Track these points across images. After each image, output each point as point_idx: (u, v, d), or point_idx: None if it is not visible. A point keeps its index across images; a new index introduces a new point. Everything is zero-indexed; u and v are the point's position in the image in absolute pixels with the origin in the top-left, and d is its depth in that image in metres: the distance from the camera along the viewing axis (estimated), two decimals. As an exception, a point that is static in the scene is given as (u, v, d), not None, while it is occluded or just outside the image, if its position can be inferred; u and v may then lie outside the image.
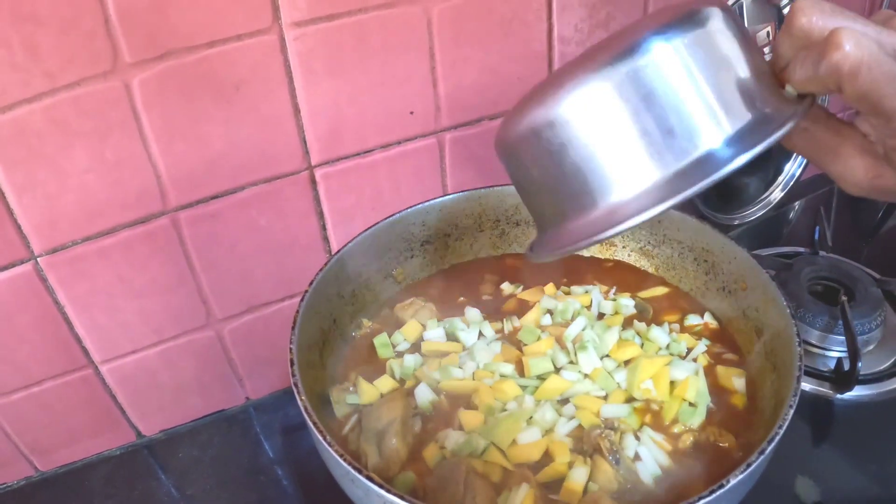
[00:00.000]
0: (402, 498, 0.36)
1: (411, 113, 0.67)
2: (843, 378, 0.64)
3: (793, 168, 0.93)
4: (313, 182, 0.66)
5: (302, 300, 0.48)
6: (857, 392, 0.66)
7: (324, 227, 0.68)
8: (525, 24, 0.68)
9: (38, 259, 0.59)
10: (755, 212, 0.93)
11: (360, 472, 0.37)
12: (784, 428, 0.42)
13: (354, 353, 0.55)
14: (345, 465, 0.37)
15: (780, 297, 0.51)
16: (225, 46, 0.57)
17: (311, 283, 0.50)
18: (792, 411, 0.43)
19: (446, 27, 0.64)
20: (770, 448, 0.41)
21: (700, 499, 0.38)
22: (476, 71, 0.68)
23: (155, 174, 0.59)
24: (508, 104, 0.71)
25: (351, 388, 0.51)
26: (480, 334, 0.56)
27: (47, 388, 0.65)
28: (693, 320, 0.59)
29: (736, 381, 0.53)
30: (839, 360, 0.66)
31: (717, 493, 0.38)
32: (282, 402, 0.75)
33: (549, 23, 0.69)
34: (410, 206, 0.59)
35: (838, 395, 0.65)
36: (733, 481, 0.39)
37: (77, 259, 0.60)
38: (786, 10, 0.84)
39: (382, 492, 0.36)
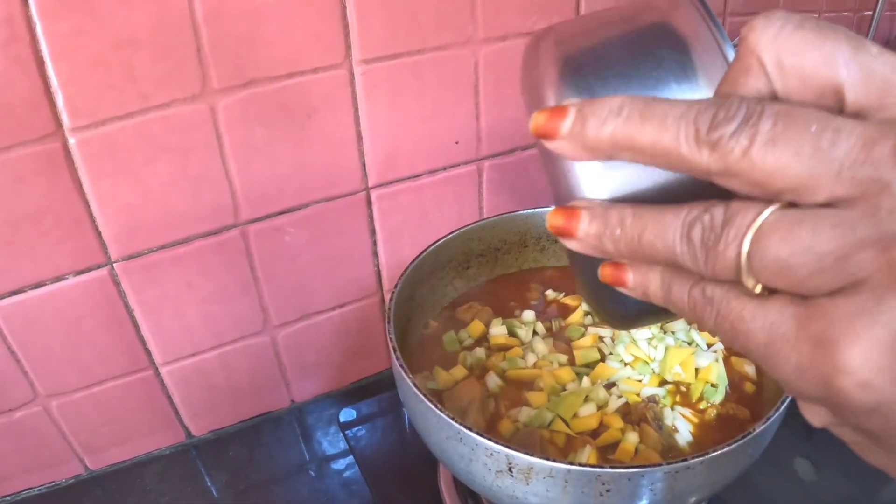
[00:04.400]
0: (506, 446, 0.41)
1: (456, 143, 0.71)
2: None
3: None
4: (369, 202, 0.69)
5: (391, 300, 0.53)
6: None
7: (374, 243, 0.72)
8: (555, 69, 0.73)
9: (114, 265, 0.61)
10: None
11: (470, 429, 0.42)
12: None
13: (424, 348, 0.60)
14: (456, 424, 0.42)
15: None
16: (302, 78, 0.60)
17: (395, 286, 0.54)
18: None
19: (490, 68, 0.69)
20: (783, 406, 0.46)
21: (733, 442, 0.43)
22: (513, 107, 0.73)
23: (230, 190, 0.62)
24: (539, 138, 0.77)
25: (430, 376, 0.56)
26: (534, 332, 0.62)
27: (108, 388, 0.66)
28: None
29: (747, 367, 0.59)
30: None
31: (746, 438, 0.43)
32: (324, 404, 0.77)
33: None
34: (468, 224, 0.63)
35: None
36: (758, 429, 0.44)
37: (151, 266, 0.62)
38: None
39: (491, 444, 0.41)
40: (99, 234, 0.59)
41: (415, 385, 0.44)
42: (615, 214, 0.24)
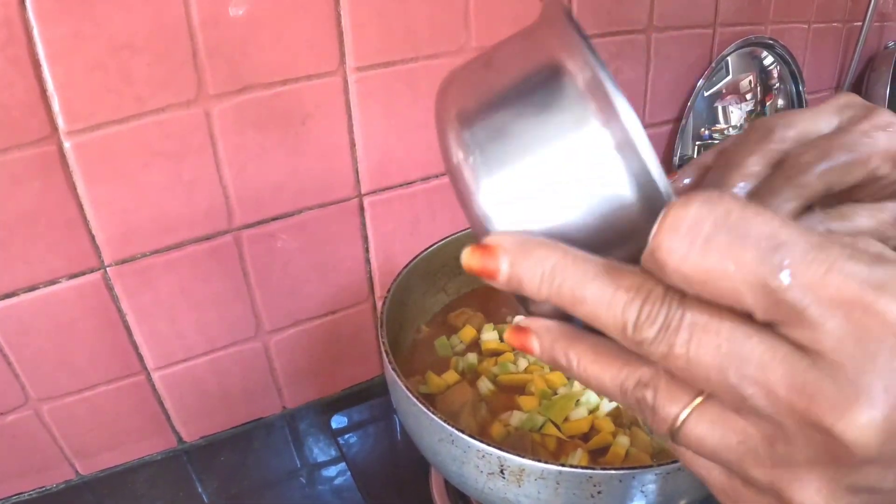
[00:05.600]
0: (498, 448, 0.41)
1: (449, 151, 0.71)
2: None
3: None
4: (361, 209, 0.69)
5: (384, 304, 0.52)
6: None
7: (367, 250, 0.72)
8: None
9: (108, 269, 0.60)
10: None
11: (462, 431, 0.41)
12: None
13: (416, 353, 0.60)
14: (448, 427, 0.42)
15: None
16: (296, 85, 0.60)
17: (388, 290, 0.54)
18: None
19: (483, 78, 0.69)
20: None
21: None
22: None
23: (224, 195, 0.62)
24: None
25: (422, 380, 0.56)
26: None
27: (99, 393, 0.66)
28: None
29: None
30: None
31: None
32: (316, 410, 0.77)
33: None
34: (462, 230, 0.63)
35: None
36: None
37: (144, 270, 0.62)
38: (765, 62, 0.93)
39: (483, 445, 0.41)
40: (93, 237, 0.58)
41: (407, 388, 0.44)
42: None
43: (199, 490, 0.69)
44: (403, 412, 0.47)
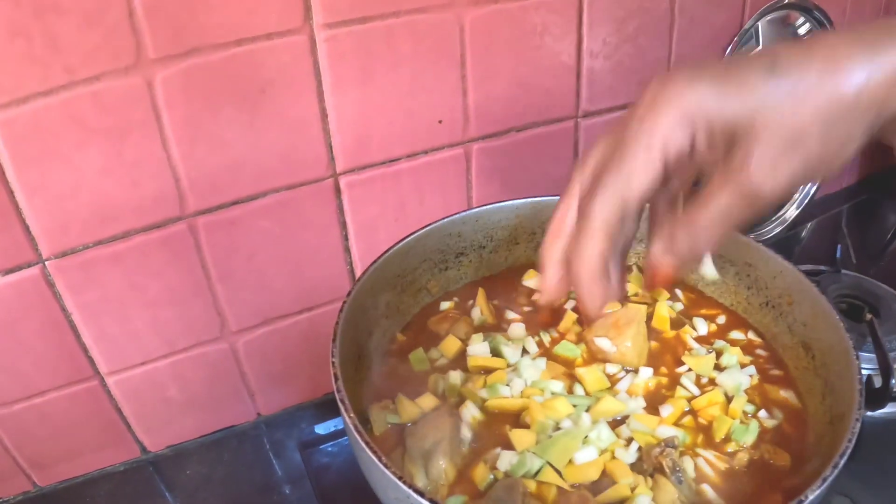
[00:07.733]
0: None
1: (439, 122, 0.63)
2: (875, 395, 0.61)
3: (807, 186, 0.91)
4: (337, 190, 0.62)
5: (341, 311, 0.44)
6: (889, 409, 0.62)
7: (346, 238, 0.64)
8: (555, 37, 0.65)
9: (46, 263, 0.54)
10: (770, 230, 0.91)
11: (422, 494, 0.32)
12: (853, 442, 0.39)
13: (390, 367, 0.50)
14: (404, 487, 0.33)
15: (832, 312, 0.48)
16: (253, 45, 0.53)
17: (349, 294, 0.45)
18: (859, 424, 0.40)
19: (479, 36, 0.61)
20: (842, 462, 0.37)
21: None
22: (506, 82, 0.64)
23: (174, 177, 0.55)
24: (537, 116, 0.68)
25: (391, 406, 0.46)
26: (524, 350, 0.51)
27: (50, 400, 0.60)
28: (736, 335, 0.55)
29: (783, 392, 0.49)
30: (869, 377, 0.62)
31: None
32: (294, 418, 0.70)
33: (579, 35, 0.66)
34: (447, 217, 0.55)
35: (869, 413, 0.61)
36: (812, 496, 0.35)
37: (88, 264, 0.56)
38: (801, 30, 0.82)
39: None
40: (27, 228, 0.53)
41: (356, 429, 0.35)
42: None
43: (171, 502, 0.64)
44: (358, 457, 0.39)
